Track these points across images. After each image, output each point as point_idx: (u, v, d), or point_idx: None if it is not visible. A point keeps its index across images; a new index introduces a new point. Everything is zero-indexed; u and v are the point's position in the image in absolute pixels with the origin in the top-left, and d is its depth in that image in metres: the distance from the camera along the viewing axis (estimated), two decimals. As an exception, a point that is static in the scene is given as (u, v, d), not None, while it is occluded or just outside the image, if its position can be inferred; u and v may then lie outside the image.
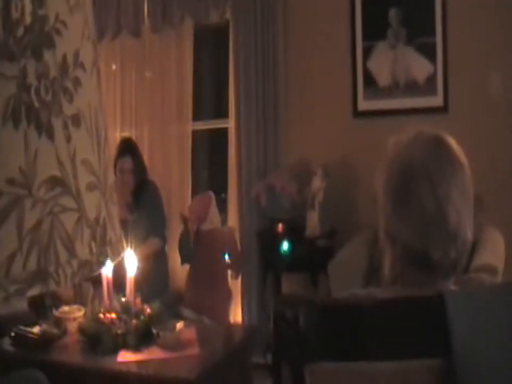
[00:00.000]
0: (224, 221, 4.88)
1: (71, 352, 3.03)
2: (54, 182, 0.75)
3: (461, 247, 1.31)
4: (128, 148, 4.56)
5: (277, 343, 1.24)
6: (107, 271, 3.10)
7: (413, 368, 1.20)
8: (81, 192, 0.79)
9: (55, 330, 3.11)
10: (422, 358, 1.20)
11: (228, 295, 4.41)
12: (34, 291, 0.71)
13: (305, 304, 1.27)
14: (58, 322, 3.19)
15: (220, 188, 5.10)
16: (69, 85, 0.80)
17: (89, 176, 0.81)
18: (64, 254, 0.75)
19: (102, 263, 0.82)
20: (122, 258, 3.24)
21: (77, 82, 0.81)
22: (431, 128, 1.38)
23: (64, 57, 0.79)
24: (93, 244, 0.79)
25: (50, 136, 0.76)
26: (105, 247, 0.82)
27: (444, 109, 4.30)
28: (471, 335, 1.18)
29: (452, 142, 1.34)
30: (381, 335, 1.23)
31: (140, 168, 4.53)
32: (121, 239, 0.88)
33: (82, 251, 0.77)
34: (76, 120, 0.80)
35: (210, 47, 5.64)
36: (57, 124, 0.77)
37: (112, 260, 0.84)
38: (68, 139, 0.78)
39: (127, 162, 4.45)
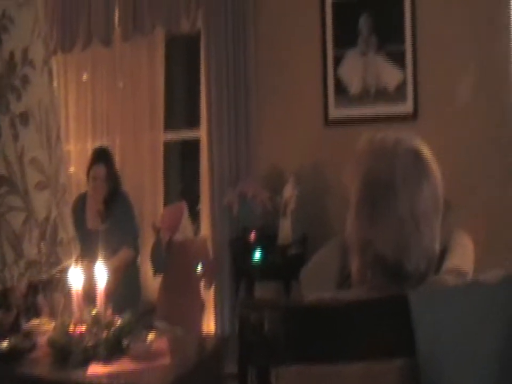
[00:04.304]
0: (196, 231, 4.85)
1: (41, 366, 2.97)
2: (0, 181, 0.73)
3: (431, 261, 1.34)
4: (102, 156, 4.54)
5: (242, 348, 1.22)
6: (77, 282, 3.05)
7: (380, 369, 1.20)
8: (29, 191, 0.77)
9: (25, 344, 3.06)
10: (388, 358, 1.20)
11: (201, 306, 4.38)
12: (-23, 292, 0.69)
13: (269, 308, 1.26)
14: (28, 335, 3.13)
15: (193, 200, 5.07)
16: (17, 82, 0.79)
17: (38, 175, 0.80)
18: (11, 254, 0.73)
19: (52, 264, 0.80)
20: (93, 269, 3.20)
21: (25, 80, 0.80)
22: (408, 135, 1.37)
23: (12, 54, 0.78)
24: (42, 244, 0.77)
25: (-4, 134, 0.74)
26: (56, 248, 0.81)
27: (413, 115, 4.33)
28: (435, 334, 1.18)
29: (427, 152, 1.35)
30: (347, 337, 1.23)
31: (113, 177, 4.50)
32: (73, 239, 0.86)
33: (30, 251, 0.75)
34: (25, 118, 0.79)
35: (182, 56, 5.63)
36: (3, 122, 0.75)
37: (64, 261, 0.82)
38: (15, 137, 0.77)
39: (101, 170, 4.42)
